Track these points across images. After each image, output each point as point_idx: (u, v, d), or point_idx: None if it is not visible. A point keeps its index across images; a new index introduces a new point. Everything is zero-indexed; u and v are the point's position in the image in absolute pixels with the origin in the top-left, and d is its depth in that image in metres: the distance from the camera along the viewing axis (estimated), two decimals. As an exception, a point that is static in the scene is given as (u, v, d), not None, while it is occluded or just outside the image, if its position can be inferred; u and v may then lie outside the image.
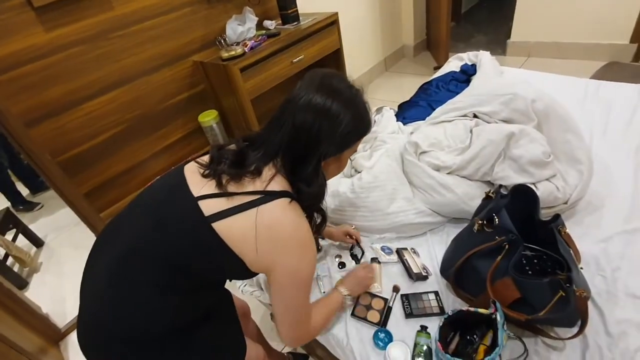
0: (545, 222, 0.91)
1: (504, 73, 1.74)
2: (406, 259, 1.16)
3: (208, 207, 0.66)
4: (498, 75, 1.69)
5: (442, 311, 1.01)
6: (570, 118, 1.20)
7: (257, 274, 0.74)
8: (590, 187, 1.16)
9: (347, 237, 1.19)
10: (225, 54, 1.93)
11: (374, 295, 1.09)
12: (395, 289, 1.10)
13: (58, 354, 1.74)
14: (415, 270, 1.12)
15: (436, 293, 1.06)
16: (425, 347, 0.94)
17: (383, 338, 0.99)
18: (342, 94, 0.71)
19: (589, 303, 0.91)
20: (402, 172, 1.30)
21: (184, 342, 0.71)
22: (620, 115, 1.47)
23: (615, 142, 1.36)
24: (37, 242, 2.47)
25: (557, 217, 0.90)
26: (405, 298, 1.06)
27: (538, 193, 1.05)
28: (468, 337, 0.93)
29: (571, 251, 0.85)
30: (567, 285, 0.78)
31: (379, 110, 1.74)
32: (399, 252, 1.19)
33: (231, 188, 0.67)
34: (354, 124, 0.72)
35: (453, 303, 1.03)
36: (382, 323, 1.02)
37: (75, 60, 1.65)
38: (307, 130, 0.69)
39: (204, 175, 0.70)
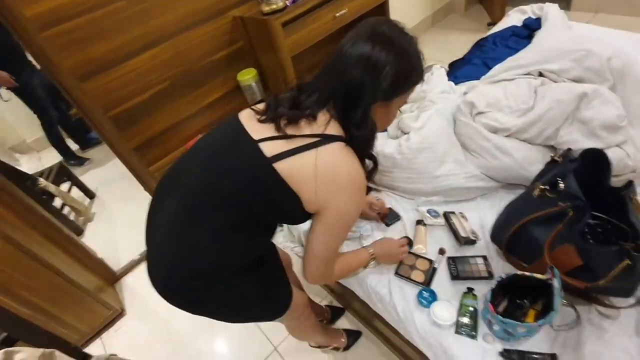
0: (616, 188, 0.85)
1: (573, 27, 1.56)
2: (453, 223, 1.14)
3: (269, 149, 0.68)
4: (567, 29, 1.52)
5: (490, 275, 1.00)
6: (651, 78, 1.08)
7: (309, 216, 0.77)
8: (665, 155, 1.06)
9: (371, 208, 1.18)
10: (266, 8, 1.86)
11: (418, 256, 1.10)
12: (441, 252, 1.10)
13: (114, 293, 1.92)
14: (463, 234, 1.10)
15: (484, 257, 1.05)
16: (471, 308, 0.95)
17: (427, 297, 1.00)
18: (393, 41, 0.70)
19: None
20: (453, 133, 1.25)
21: (244, 281, 0.78)
22: None
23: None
24: (90, 194, 2.65)
25: (629, 184, 0.83)
26: (452, 261, 1.05)
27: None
28: (517, 302, 0.92)
29: (643, 220, 0.80)
30: (635, 253, 0.75)
31: (428, 68, 1.64)
32: (446, 215, 1.17)
33: (290, 131, 0.69)
34: (404, 71, 0.71)
35: (503, 268, 1.02)
36: (427, 283, 1.04)
37: (117, 16, 1.64)
38: (357, 77, 0.68)
39: (260, 121, 0.72)
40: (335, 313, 1.50)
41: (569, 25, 1.56)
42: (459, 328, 0.93)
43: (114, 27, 1.65)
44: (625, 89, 1.10)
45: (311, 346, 1.40)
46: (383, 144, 1.33)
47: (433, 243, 1.13)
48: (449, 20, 3.20)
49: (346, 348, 1.38)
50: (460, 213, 1.18)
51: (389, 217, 1.21)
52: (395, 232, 1.19)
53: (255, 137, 0.70)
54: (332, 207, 0.72)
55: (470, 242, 1.09)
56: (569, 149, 0.94)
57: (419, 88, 1.55)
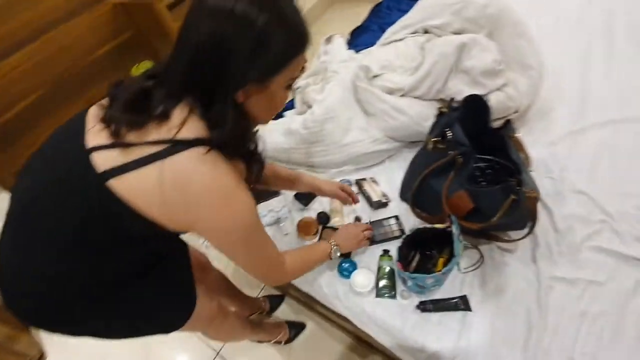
0: (497, 130, 0.89)
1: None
2: (365, 189, 1.14)
3: (102, 161, 0.53)
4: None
5: (402, 233, 1.02)
6: (522, 22, 1.15)
7: (183, 232, 0.62)
8: (541, 93, 1.15)
9: (340, 192, 1.03)
10: (147, -10, 1.67)
11: (335, 229, 1.08)
12: (357, 220, 1.09)
13: (29, 338, 1.68)
14: (375, 198, 1.10)
15: (396, 217, 1.06)
16: (388, 269, 0.95)
17: (347, 267, 0.99)
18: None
19: (539, 204, 0.94)
20: (355, 101, 1.23)
21: (115, 298, 0.65)
22: (570, 17, 1.44)
23: (564, 45, 1.34)
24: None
25: (507, 123, 0.88)
26: None
27: (490, 103, 1.03)
28: (427, 253, 0.95)
29: (521, 155, 0.84)
30: (518, 188, 0.79)
31: (328, 39, 1.60)
32: (358, 183, 1.17)
33: (131, 137, 0.53)
34: (277, 39, 0.52)
35: (414, 224, 1.04)
36: (347, 254, 1.02)
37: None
38: (208, 49, 0.51)
39: (102, 120, 0.55)
40: (274, 302, 1.45)
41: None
42: (379, 291, 0.93)
43: None
44: (501, 34, 1.15)
45: (252, 341, 1.35)
46: (290, 121, 1.28)
47: (350, 213, 1.12)
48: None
49: (288, 341, 1.34)
50: (371, 178, 1.18)
51: (304, 196, 1.18)
52: (313, 210, 1.16)
53: (91, 143, 0.54)
54: (206, 228, 0.58)
55: (382, 205, 1.09)
56: (452, 99, 0.97)
57: (319, 59, 1.52)
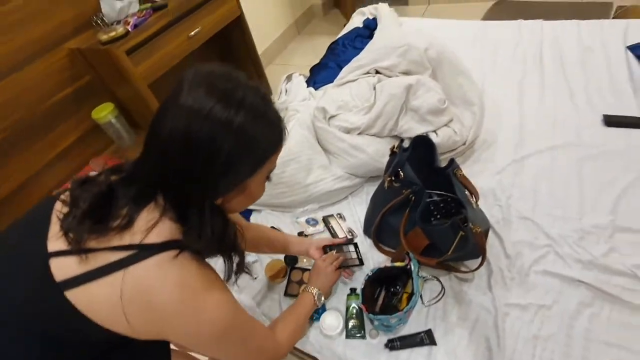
0: (442, 168, 0.95)
1: (403, 24, 1.75)
2: (332, 226, 1.17)
3: (61, 270, 0.49)
4: (397, 26, 1.69)
5: (360, 262, 1.05)
6: (461, 62, 1.25)
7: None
8: (484, 126, 1.25)
9: (321, 251, 1.01)
10: (104, 37, 1.66)
11: (304, 270, 1.10)
12: (324, 251, 1.11)
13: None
14: (340, 235, 1.13)
15: (355, 245, 1.09)
16: (356, 309, 0.97)
17: (316, 310, 1.00)
18: (236, 102, 0.49)
19: (490, 232, 1.00)
20: (315, 140, 1.27)
21: None
22: (506, 51, 1.58)
23: (502, 78, 1.46)
24: None
25: (451, 162, 0.94)
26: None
27: (438, 140, 1.11)
28: (392, 290, 0.98)
29: (466, 191, 0.91)
30: (465, 224, 0.84)
31: (288, 77, 1.66)
32: (325, 220, 1.20)
33: (92, 242, 0.50)
34: (257, 137, 0.51)
35: (378, 260, 1.07)
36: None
37: None
38: (180, 155, 0.49)
39: (61, 227, 0.52)
40: None
41: (399, 22, 1.74)
42: (348, 332, 0.95)
43: None
44: (443, 73, 1.26)
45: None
46: (252, 163, 1.30)
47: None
48: (312, 26, 3.34)
49: None
50: (338, 214, 1.21)
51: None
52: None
53: (52, 247, 0.51)
54: (171, 334, 0.54)
55: (349, 241, 1.12)
56: (402, 140, 1.04)
57: (279, 100, 1.57)
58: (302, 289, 0.94)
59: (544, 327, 0.85)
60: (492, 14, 1.98)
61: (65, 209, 0.54)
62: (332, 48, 1.83)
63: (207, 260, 0.59)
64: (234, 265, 0.63)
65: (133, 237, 0.50)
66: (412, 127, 1.14)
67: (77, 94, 1.85)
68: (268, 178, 0.61)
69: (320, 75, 1.66)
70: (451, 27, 1.81)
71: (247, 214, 1.28)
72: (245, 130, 0.49)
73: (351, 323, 0.95)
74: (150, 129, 0.52)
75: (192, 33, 1.93)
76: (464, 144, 1.18)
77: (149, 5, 1.89)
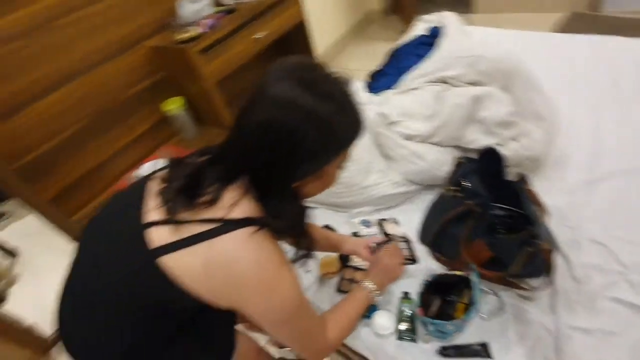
0: (511, 182, 0.94)
1: (470, 33, 1.72)
2: (386, 230, 1.19)
3: (155, 238, 0.55)
4: (464, 36, 1.67)
5: (413, 260, 1.05)
6: (534, 76, 1.22)
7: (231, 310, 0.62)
8: (555, 143, 1.20)
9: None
10: (180, 37, 1.82)
11: (357, 268, 1.12)
12: (374, 249, 1.12)
13: (50, 363, 1.72)
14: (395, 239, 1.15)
15: (407, 242, 1.09)
16: (408, 313, 0.98)
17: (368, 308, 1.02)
18: (323, 93, 0.53)
19: (556, 253, 0.97)
20: (374, 144, 1.30)
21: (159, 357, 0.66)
22: (581, 67, 1.51)
23: (576, 95, 1.40)
24: (11, 253, 2.36)
25: (522, 177, 0.93)
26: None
27: (505, 152, 1.08)
28: (448, 299, 0.98)
29: (535, 208, 0.89)
30: (534, 240, 0.83)
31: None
32: (380, 223, 1.22)
33: (184, 215, 0.56)
34: (341, 127, 0.55)
35: (432, 268, 1.07)
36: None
37: (17, 56, 1.51)
38: (266, 142, 0.53)
39: (158, 198, 0.59)
40: None
41: (466, 31, 1.71)
42: (400, 334, 0.96)
43: (15, 68, 1.51)
44: (514, 87, 1.23)
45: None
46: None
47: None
48: (370, 31, 3.37)
49: None
50: (393, 219, 1.23)
51: None
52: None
53: (147, 218, 0.57)
54: (248, 309, 0.59)
55: (412, 261, 1.13)
56: (469, 151, 1.03)
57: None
58: (359, 284, 0.89)
59: (610, 355, 0.81)
60: (565, 27, 1.89)
61: (160, 187, 0.61)
62: (392, 54, 1.84)
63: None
64: (302, 249, 0.67)
65: (218, 212, 0.56)
66: (477, 139, 1.13)
67: (152, 87, 2.03)
68: (341, 168, 0.65)
69: (380, 81, 1.68)
70: (522, 38, 1.75)
71: (302, 210, 1.33)
72: (328, 121, 0.53)
73: (403, 326, 0.97)
74: (238, 117, 0.57)
75: (258, 36, 2.04)
76: (532, 160, 1.15)
77: (222, 8, 2.03)
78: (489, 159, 0.99)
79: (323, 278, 1.13)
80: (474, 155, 1.04)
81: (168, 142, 2.16)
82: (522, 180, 0.91)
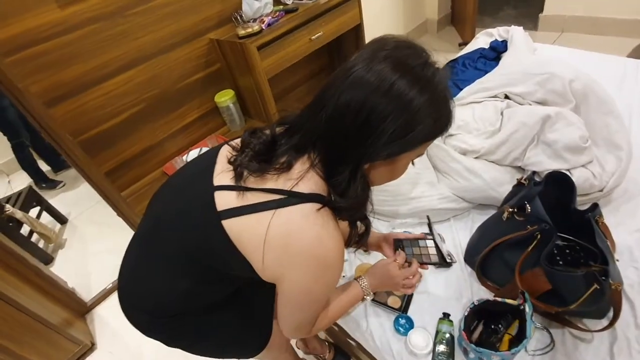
0: (582, 211, 0.86)
1: (537, 50, 1.63)
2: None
3: (223, 201, 0.57)
4: (531, 52, 1.58)
5: (444, 261, 0.97)
6: (611, 100, 1.13)
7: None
8: (628, 174, 1.10)
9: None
10: (241, 32, 1.87)
11: (395, 280, 1.08)
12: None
13: (84, 326, 1.82)
14: (434, 259, 1.09)
15: (435, 243, 1.00)
16: (447, 335, 0.93)
17: (404, 324, 0.99)
18: (414, 78, 0.50)
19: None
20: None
21: (213, 320, 0.72)
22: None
23: (657, 125, 1.27)
24: (61, 219, 2.54)
25: (595, 206, 0.85)
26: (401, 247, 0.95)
27: (572, 179, 1.00)
28: (492, 327, 0.91)
29: (608, 242, 0.81)
30: (603, 278, 0.75)
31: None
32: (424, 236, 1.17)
33: (251, 182, 0.57)
34: (427, 120, 0.51)
35: (477, 292, 1.01)
36: (403, 309, 1.02)
37: (91, 39, 1.62)
38: (351, 118, 0.51)
39: (229, 162, 0.61)
40: (339, 355, 1.35)
41: (534, 47, 1.62)
42: (435, 356, 0.91)
43: (87, 50, 1.63)
44: (588, 110, 1.14)
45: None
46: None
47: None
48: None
49: None
50: (439, 234, 1.18)
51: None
52: (374, 256, 1.17)
53: (217, 181, 0.59)
54: (290, 282, 0.59)
55: (446, 264, 1.08)
56: (534, 172, 0.96)
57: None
58: (357, 280, 0.83)
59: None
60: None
61: (233, 153, 0.62)
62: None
63: None
64: (357, 234, 0.66)
65: (286, 183, 0.56)
66: (541, 161, 1.06)
67: (207, 78, 2.10)
68: (413, 162, 0.62)
69: (435, 91, 1.63)
70: (595, 60, 1.63)
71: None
72: (417, 109, 0.50)
73: (440, 348, 0.92)
74: (325, 90, 0.55)
75: (315, 37, 2.06)
76: (601, 190, 1.05)
77: (281, 7, 2.07)
78: (555, 184, 0.92)
79: (358, 285, 1.10)
80: (537, 179, 0.97)
81: (216, 131, 2.23)
82: (595, 210, 0.83)
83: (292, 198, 0.55)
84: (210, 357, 0.86)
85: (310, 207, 0.55)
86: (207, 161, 0.65)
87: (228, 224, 0.56)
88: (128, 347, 1.69)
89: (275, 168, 0.57)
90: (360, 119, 0.51)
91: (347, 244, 0.68)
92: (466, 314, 0.86)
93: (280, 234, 0.54)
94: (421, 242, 0.99)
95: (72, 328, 1.70)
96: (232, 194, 0.57)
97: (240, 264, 0.58)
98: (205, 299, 0.69)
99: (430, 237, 1.01)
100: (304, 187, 0.56)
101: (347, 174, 0.55)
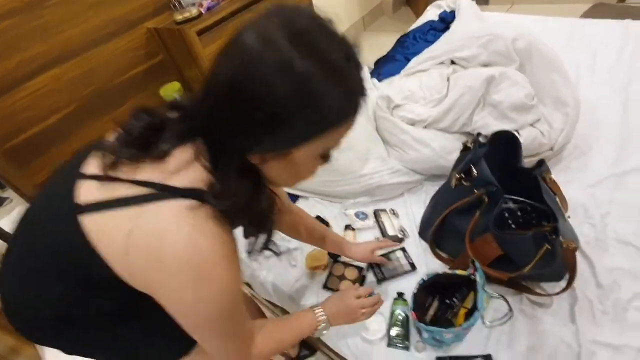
0: (529, 169, 0.81)
1: (486, 18, 1.59)
2: (382, 222, 1.07)
3: (85, 192, 0.47)
4: (478, 20, 1.54)
5: (413, 267, 0.95)
6: (556, 56, 1.09)
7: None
8: (577, 131, 1.07)
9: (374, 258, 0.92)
10: (179, 17, 1.74)
11: (346, 265, 1.01)
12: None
13: (32, 351, 1.66)
14: (390, 232, 1.03)
15: (403, 249, 1.00)
16: (402, 316, 0.86)
17: (358, 309, 0.91)
18: (315, 46, 0.40)
19: (577, 254, 0.84)
20: (375, 130, 1.19)
21: (105, 334, 0.59)
22: (607, 54, 1.36)
23: (602, 82, 1.25)
24: (6, 238, 2.33)
25: (541, 162, 0.80)
26: (374, 263, 0.97)
27: (521, 140, 0.95)
28: (447, 302, 0.85)
29: (557, 199, 0.76)
30: (553, 237, 0.70)
31: (351, 68, 1.59)
32: (376, 214, 1.10)
33: (123, 172, 0.46)
34: (319, 103, 0.40)
35: (433, 267, 0.95)
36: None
37: (9, 34, 1.45)
38: (227, 95, 0.42)
39: (100, 147, 0.50)
40: (304, 349, 1.20)
41: (481, 16, 1.59)
42: (390, 340, 0.84)
43: (7, 46, 1.45)
44: (533, 68, 1.10)
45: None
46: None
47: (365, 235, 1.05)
48: (380, 23, 3.25)
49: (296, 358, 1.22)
50: (392, 210, 1.11)
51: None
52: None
53: (85, 169, 0.49)
54: (166, 300, 0.48)
55: (397, 240, 1.02)
56: (479, 134, 0.90)
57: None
58: (312, 308, 0.73)
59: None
60: (589, 16, 1.74)
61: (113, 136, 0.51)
62: (401, 41, 1.73)
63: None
64: (259, 240, 0.55)
65: (161, 174, 0.46)
66: (488, 124, 1.00)
67: (149, 71, 1.95)
68: (324, 158, 0.50)
69: (386, 67, 1.57)
70: (542, 23, 1.61)
71: (293, 200, 1.22)
72: (308, 81, 0.39)
73: (394, 331, 0.85)
74: (211, 65, 0.45)
75: (260, 20, 1.95)
76: (551, 148, 1.01)
77: (223, -10, 1.95)
78: (501, 145, 0.87)
79: (310, 272, 1.02)
80: (483, 140, 0.91)
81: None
82: (542, 166, 0.78)
83: (164, 192, 0.44)
84: None
85: (183, 204, 0.44)
86: (86, 148, 0.53)
87: (87, 220, 0.46)
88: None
89: (152, 157, 0.46)
90: (237, 95, 0.41)
91: (250, 252, 0.57)
92: (415, 291, 0.79)
93: (145, 235, 0.44)
94: (392, 256, 0.98)
95: (19, 356, 1.55)
96: (97, 185, 0.47)
97: (106, 274, 0.46)
98: (92, 306, 0.57)
99: (401, 241, 1.01)
100: (181, 181, 0.46)
101: (229, 167, 0.45)
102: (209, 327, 0.51)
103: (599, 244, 0.87)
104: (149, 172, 0.46)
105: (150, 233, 0.43)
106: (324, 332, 0.72)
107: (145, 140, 0.47)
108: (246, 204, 0.48)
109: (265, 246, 0.58)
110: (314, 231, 0.91)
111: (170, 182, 0.45)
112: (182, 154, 0.47)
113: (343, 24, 2.96)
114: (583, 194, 0.95)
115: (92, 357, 0.65)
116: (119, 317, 0.59)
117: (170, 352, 0.68)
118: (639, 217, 0.90)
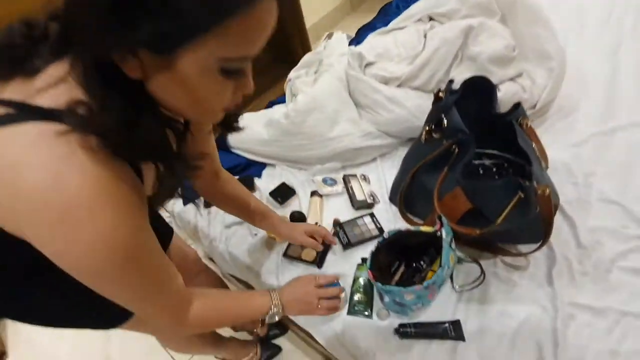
0: (503, 114, 0.73)
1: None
2: (351, 187, 0.99)
3: None
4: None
5: (381, 232, 0.87)
6: (540, 8, 1.01)
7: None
8: (562, 90, 0.99)
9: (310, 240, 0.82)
10: None
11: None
12: (336, 223, 0.93)
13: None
14: (359, 197, 0.95)
15: (371, 215, 0.92)
16: (364, 281, 0.78)
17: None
18: None
19: (558, 213, 0.76)
20: (346, 91, 1.10)
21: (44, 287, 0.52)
22: (597, 13, 1.28)
23: (590, 42, 1.17)
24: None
25: (517, 106, 0.72)
26: (340, 227, 0.90)
27: (500, 94, 0.88)
28: (415, 265, 0.77)
29: (533, 145, 0.68)
30: (527, 183, 0.62)
31: (329, 35, 1.51)
32: (345, 179, 1.02)
33: None
34: None
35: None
36: (319, 261, 0.86)
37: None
38: None
39: None
40: (274, 327, 1.15)
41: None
42: (351, 307, 0.76)
43: None
44: (515, 20, 1.01)
45: (216, 357, 1.17)
46: (273, 111, 1.17)
47: (331, 215, 0.97)
48: (368, 4, 3.16)
49: None
50: (362, 175, 1.03)
51: (280, 194, 1.04)
52: (289, 209, 1.01)
53: None
54: (39, 245, 0.39)
55: (366, 205, 0.94)
56: (451, 81, 0.82)
57: (311, 52, 1.41)
58: (268, 290, 0.67)
59: (627, 341, 0.61)
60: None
61: None
62: (383, 9, 1.65)
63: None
64: (168, 182, 0.44)
65: (27, 92, 0.37)
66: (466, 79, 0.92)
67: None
68: (227, 74, 0.38)
69: (366, 34, 1.48)
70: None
71: (259, 169, 1.14)
72: None
73: (356, 297, 0.77)
74: None
75: None
76: (534, 106, 0.94)
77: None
78: (476, 90, 0.79)
79: (270, 241, 0.93)
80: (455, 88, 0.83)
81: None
82: (517, 110, 0.70)
83: (23, 113, 0.36)
84: (64, 327, 0.63)
85: (46, 129, 0.35)
86: None
87: None
88: (44, 351, 1.48)
89: (24, 73, 0.38)
90: None
91: (157, 202, 0.48)
92: (374, 250, 0.71)
93: (1, 165, 0.35)
94: (359, 221, 0.91)
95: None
96: None
97: None
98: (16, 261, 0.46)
99: (368, 212, 0.93)
100: (49, 101, 0.37)
101: (98, 79, 0.35)
102: (107, 285, 0.43)
103: (582, 204, 0.79)
104: (14, 91, 0.37)
105: (6, 163, 0.35)
106: (276, 317, 0.65)
107: (17, 56, 0.39)
108: (124, 128, 0.37)
109: (177, 191, 0.48)
110: (254, 211, 0.80)
111: (33, 100, 0.36)
112: (55, 70, 0.38)
113: (330, 5, 2.84)
114: (566, 154, 0.88)
115: (26, 321, 0.58)
116: (35, 274, 0.50)
117: (113, 312, 0.58)
118: (625, 175, 0.82)
